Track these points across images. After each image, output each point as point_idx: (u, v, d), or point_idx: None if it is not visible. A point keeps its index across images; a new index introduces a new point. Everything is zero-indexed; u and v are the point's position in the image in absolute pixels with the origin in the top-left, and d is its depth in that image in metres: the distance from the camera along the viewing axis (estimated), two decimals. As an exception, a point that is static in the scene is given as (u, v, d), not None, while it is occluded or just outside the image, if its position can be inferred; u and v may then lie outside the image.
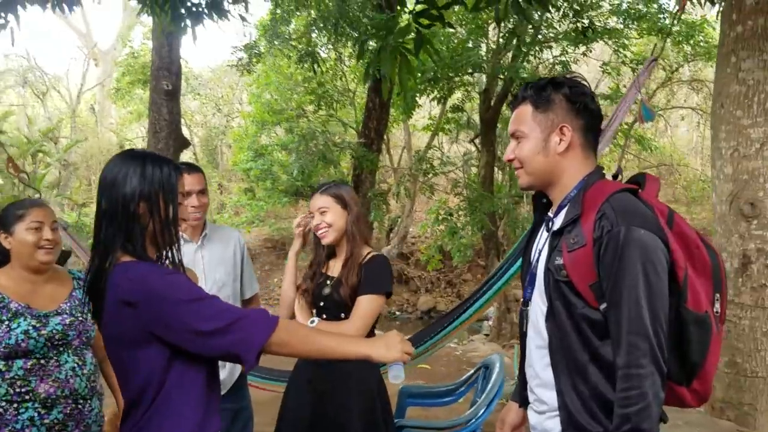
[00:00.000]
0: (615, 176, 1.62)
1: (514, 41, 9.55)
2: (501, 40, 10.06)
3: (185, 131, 16.21)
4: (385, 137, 12.81)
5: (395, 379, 1.54)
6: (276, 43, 9.38)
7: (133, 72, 14.45)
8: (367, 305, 2.28)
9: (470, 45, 10.06)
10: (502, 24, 8.89)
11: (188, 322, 1.37)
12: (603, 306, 1.41)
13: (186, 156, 17.55)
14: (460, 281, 15.89)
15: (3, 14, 3.84)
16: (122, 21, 19.97)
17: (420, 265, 14.95)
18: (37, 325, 2.02)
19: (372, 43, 5.64)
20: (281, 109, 12.34)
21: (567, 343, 1.47)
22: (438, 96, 10.51)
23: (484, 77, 10.88)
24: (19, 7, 3.86)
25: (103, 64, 20.04)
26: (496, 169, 11.62)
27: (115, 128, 19.74)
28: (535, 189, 1.67)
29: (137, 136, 18.73)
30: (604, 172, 1.60)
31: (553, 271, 1.48)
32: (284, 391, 2.49)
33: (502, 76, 10.03)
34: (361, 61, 4.57)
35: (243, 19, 5.37)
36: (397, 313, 15.48)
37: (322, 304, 2.41)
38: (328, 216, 2.39)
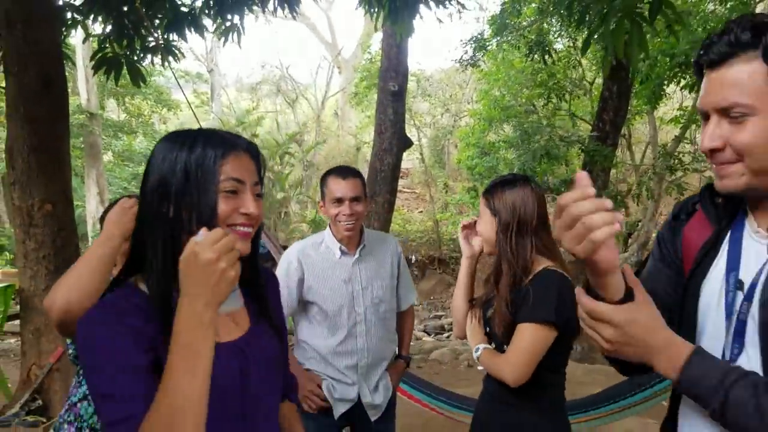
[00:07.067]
0: None
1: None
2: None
3: (414, 132, 16.61)
4: (625, 132, 11.51)
5: None
6: (504, 34, 8.92)
7: (370, 77, 15.11)
8: (525, 337, 1.75)
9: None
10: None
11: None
12: None
13: (412, 156, 17.99)
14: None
15: (230, 16, 4.05)
16: (363, 28, 21.22)
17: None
18: None
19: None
20: (509, 105, 11.81)
21: None
22: (691, 83, 9.06)
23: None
24: (245, 8, 4.04)
25: (345, 71, 21.50)
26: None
27: (354, 132, 21.06)
28: (747, 194, 1.05)
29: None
30: None
31: None
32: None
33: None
34: (580, 27, 3.85)
35: (462, 6, 5.06)
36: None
37: (487, 329, 1.93)
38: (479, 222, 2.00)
